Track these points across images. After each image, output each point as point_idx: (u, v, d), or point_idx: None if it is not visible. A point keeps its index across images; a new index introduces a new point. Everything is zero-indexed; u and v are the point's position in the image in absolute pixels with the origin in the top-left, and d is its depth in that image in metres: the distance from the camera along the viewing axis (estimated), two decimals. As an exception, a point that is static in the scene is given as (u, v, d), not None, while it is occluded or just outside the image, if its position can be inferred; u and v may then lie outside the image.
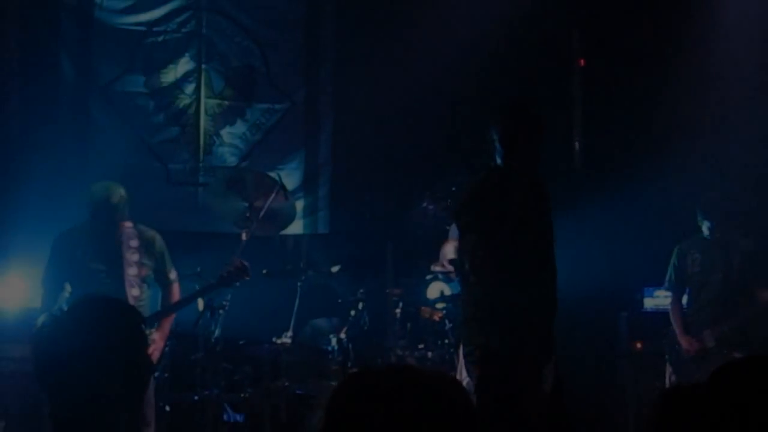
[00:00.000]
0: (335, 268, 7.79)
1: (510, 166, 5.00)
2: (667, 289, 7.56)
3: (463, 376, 6.77)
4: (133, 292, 6.37)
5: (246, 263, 6.34)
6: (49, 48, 8.49)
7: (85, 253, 6.38)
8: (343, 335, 7.62)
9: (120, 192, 6.38)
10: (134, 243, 6.45)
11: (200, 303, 6.88)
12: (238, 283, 6.35)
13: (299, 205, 8.47)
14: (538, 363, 4.67)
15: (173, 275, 6.59)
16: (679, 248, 7.43)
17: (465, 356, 4.96)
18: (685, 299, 7.44)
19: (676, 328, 7.28)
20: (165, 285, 6.59)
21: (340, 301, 8.12)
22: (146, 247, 6.50)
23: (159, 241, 6.58)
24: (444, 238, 7.26)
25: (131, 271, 6.39)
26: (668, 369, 7.29)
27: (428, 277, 7.71)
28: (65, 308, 5.89)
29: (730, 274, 7.15)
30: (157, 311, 6.47)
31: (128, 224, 6.45)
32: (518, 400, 4.48)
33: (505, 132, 5.03)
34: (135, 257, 6.43)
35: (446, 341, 7.48)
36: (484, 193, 4.90)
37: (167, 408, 7.06)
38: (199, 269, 6.86)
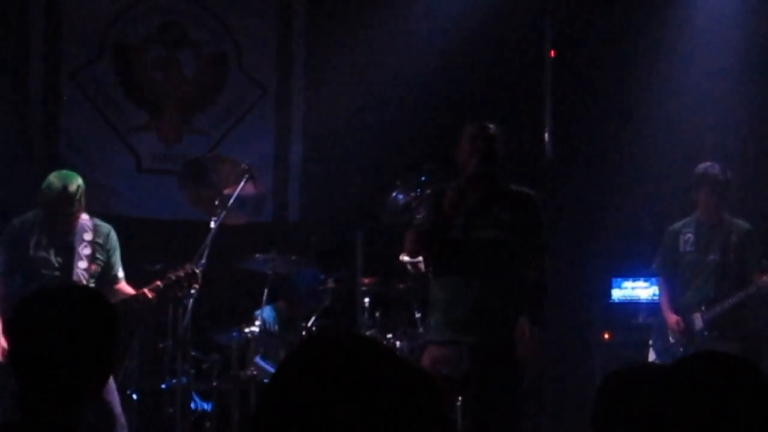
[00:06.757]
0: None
1: None
2: (655, 273, 7.35)
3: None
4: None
5: (196, 270, 6.22)
6: (19, 33, 8.43)
7: (38, 243, 6.20)
8: (311, 324, 7.61)
9: (77, 182, 6.15)
10: (88, 236, 6.28)
11: None
12: (193, 290, 6.27)
13: (269, 193, 8.45)
14: None
15: (121, 273, 6.41)
16: (669, 230, 7.13)
17: None
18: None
19: (664, 308, 7.02)
20: (112, 282, 6.37)
21: (309, 289, 8.10)
22: (100, 242, 6.33)
23: (113, 237, 6.39)
24: (413, 228, 7.23)
25: (81, 265, 6.23)
26: (651, 355, 7.06)
27: None
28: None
29: (727, 255, 6.88)
30: None
31: (84, 217, 6.28)
32: None
33: None
34: (87, 251, 6.26)
35: (417, 330, 7.42)
36: None
37: (135, 396, 7.04)
38: (158, 266, 6.75)
